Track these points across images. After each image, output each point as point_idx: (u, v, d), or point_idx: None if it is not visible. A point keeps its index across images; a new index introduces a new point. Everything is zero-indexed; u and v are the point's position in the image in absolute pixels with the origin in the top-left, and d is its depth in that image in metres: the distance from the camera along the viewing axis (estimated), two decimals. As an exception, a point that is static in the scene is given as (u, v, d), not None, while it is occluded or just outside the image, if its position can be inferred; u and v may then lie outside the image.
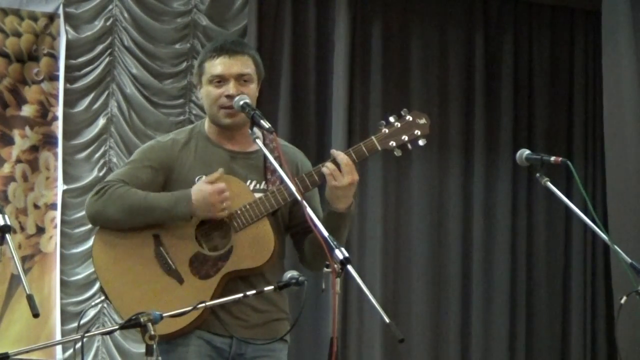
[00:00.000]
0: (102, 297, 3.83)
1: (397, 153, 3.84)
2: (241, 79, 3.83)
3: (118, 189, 3.74)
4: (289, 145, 3.98)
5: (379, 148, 3.80)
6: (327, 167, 3.72)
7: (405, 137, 3.83)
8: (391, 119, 3.84)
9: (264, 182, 3.85)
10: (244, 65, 3.84)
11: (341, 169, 3.71)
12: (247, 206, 3.76)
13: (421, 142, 3.87)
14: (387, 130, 3.82)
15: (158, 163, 3.81)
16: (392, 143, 3.82)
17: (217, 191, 3.71)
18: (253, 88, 3.85)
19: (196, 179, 3.79)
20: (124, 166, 3.92)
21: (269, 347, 3.78)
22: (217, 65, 3.82)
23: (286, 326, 3.86)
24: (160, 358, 3.12)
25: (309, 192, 3.79)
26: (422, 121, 3.88)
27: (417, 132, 3.86)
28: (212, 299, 3.67)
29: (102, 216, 3.75)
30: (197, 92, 3.97)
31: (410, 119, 3.86)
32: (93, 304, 3.78)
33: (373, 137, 3.81)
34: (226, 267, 3.75)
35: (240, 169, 3.84)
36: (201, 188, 3.72)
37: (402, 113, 3.86)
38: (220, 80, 3.82)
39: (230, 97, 3.80)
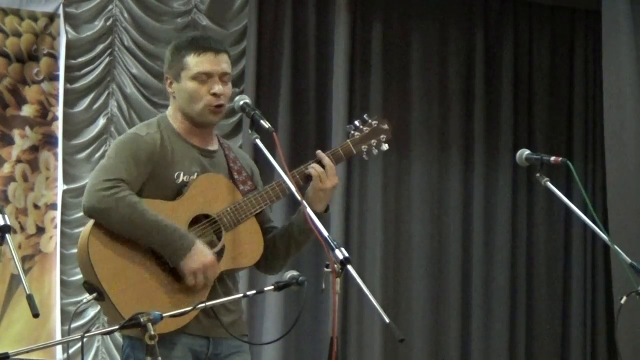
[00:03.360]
0: (90, 296, 3.74)
1: (366, 157, 4.03)
2: (223, 77, 3.86)
3: (130, 196, 3.69)
4: (240, 150, 4.04)
5: (354, 152, 3.99)
6: (315, 169, 3.84)
7: (373, 142, 4.02)
8: (357, 123, 4.02)
9: (231, 182, 3.87)
10: (227, 64, 3.89)
11: (327, 171, 3.83)
12: (237, 205, 3.80)
13: (384, 147, 4.04)
14: (358, 134, 4.00)
15: (146, 158, 3.78)
16: (364, 147, 4.00)
17: (213, 265, 3.72)
18: (230, 87, 3.90)
19: (175, 175, 3.79)
20: (112, 158, 3.80)
21: (239, 344, 3.85)
22: (205, 63, 3.83)
23: (244, 324, 3.96)
24: (160, 358, 3.12)
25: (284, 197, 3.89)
26: (385, 126, 4.06)
27: (383, 137, 4.04)
28: (208, 298, 3.70)
29: (105, 215, 3.68)
30: (169, 86, 3.90)
31: (376, 124, 4.03)
32: (85, 300, 3.68)
33: (348, 141, 3.99)
34: (220, 266, 3.76)
35: (211, 166, 3.88)
36: (205, 251, 3.71)
37: (366, 118, 4.04)
38: (205, 77, 3.83)
39: (216, 95, 3.82)
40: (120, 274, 3.69)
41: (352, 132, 3.99)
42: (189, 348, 3.76)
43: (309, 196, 3.84)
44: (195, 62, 3.83)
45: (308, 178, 3.85)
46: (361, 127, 4.00)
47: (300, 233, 3.89)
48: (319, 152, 3.91)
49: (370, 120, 4.02)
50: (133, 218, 3.67)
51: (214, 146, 3.94)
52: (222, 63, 3.86)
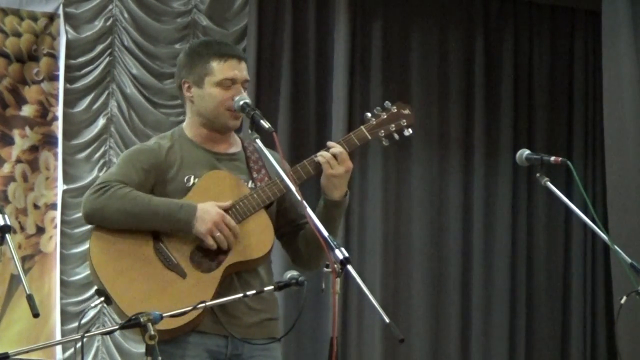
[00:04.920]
0: (99, 299, 3.75)
1: (385, 142, 3.94)
2: (244, 84, 3.88)
3: (120, 189, 3.72)
4: (271, 151, 4.03)
5: (369, 137, 3.91)
6: (323, 156, 3.80)
7: (392, 127, 3.93)
8: (376, 110, 3.94)
9: (250, 182, 3.87)
10: (246, 72, 3.91)
11: (337, 157, 3.78)
12: (244, 199, 3.79)
13: (407, 132, 3.96)
14: (374, 120, 3.92)
15: (149, 165, 3.80)
16: (381, 132, 3.92)
17: (223, 217, 3.71)
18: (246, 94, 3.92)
19: (185, 178, 3.80)
20: (114, 167, 3.88)
21: (266, 347, 3.78)
22: (230, 69, 3.85)
23: (278, 327, 3.89)
24: (160, 358, 3.11)
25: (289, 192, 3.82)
26: (407, 111, 3.97)
27: (403, 121, 3.95)
28: (215, 292, 3.68)
29: (101, 215, 3.72)
30: (187, 91, 3.90)
31: (395, 109, 3.96)
32: (92, 305, 3.72)
33: (362, 127, 3.92)
34: (228, 260, 3.74)
35: (227, 170, 3.87)
36: (209, 207, 3.71)
37: (386, 105, 3.96)
38: (230, 83, 3.84)
39: None
40: (122, 275, 3.70)
41: (370, 119, 3.92)
42: (205, 348, 3.72)
43: (323, 185, 3.81)
44: (220, 68, 3.84)
45: (319, 166, 3.81)
46: (379, 113, 3.93)
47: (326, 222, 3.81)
48: (329, 142, 3.86)
49: (390, 107, 3.95)
50: (127, 208, 3.69)
51: (234, 149, 3.94)
52: (244, 70, 3.89)
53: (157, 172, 3.80)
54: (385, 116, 3.92)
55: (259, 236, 3.79)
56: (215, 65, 3.85)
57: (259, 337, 3.79)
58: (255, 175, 3.88)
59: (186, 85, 3.91)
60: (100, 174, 7.20)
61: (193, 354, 3.70)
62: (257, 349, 3.77)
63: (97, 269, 3.70)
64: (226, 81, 3.83)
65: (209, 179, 3.82)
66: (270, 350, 3.81)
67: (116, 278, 3.69)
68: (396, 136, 3.93)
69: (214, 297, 3.63)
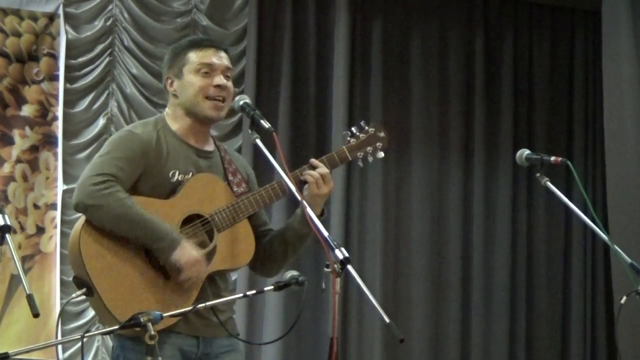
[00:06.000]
0: (79, 292, 3.72)
1: (361, 164, 4.08)
2: (226, 73, 3.89)
3: (119, 192, 3.69)
4: (237, 153, 4.05)
5: (350, 158, 4.03)
6: (312, 176, 3.86)
7: (369, 149, 4.06)
8: (354, 130, 4.06)
9: (225, 183, 3.89)
10: (228, 61, 3.93)
11: (324, 177, 3.87)
12: (230, 207, 3.81)
13: (380, 155, 4.08)
14: (354, 141, 4.04)
15: (139, 156, 3.78)
16: (359, 154, 4.05)
17: (199, 264, 3.73)
18: (232, 85, 3.93)
19: (170, 173, 3.80)
20: (104, 155, 3.81)
21: (230, 343, 3.85)
22: (207, 56, 3.87)
23: (235, 323, 3.97)
24: (159, 358, 3.12)
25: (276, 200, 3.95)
26: (382, 134, 4.09)
27: (379, 144, 4.08)
28: (196, 297, 3.72)
29: (96, 212, 3.68)
30: (170, 86, 3.91)
31: (372, 131, 4.07)
32: (74, 295, 3.68)
33: (344, 147, 4.03)
34: (211, 267, 3.77)
35: (207, 167, 3.89)
36: (193, 252, 3.72)
37: (362, 125, 4.07)
38: (208, 70, 3.85)
39: (219, 87, 3.85)
40: (110, 271, 3.69)
41: (349, 138, 4.03)
42: (178, 348, 3.76)
43: (306, 201, 3.83)
44: (197, 56, 3.87)
45: (301, 184, 3.87)
46: (358, 133, 4.03)
47: (297, 237, 3.92)
48: (312, 160, 3.92)
49: (367, 127, 4.05)
50: (120, 214, 3.67)
51: (210, 147, 3.95)
52: (224, 59, 3.91)
53: (147, 163, 3.79)
54: (363, 138, 4.03)
55: (244, 244, 3.85)
56: (192, 54, 3.88)
57: (225, 335, 3.84)
58: (230, 177, 3.91)
59: (169, 81, 3.92)
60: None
61: (168, 354, 3.71)
62: (224, 347, 3.84)
63: (86, 261, 3.67)
64: (202, 66, 3.85)
65: (198, 181, 3.83)
66: (235, 345, 3.89)
67: (104, 274, 3.68)
68: (370, 158, 4.06)
69: (195, 302, 3.66)
